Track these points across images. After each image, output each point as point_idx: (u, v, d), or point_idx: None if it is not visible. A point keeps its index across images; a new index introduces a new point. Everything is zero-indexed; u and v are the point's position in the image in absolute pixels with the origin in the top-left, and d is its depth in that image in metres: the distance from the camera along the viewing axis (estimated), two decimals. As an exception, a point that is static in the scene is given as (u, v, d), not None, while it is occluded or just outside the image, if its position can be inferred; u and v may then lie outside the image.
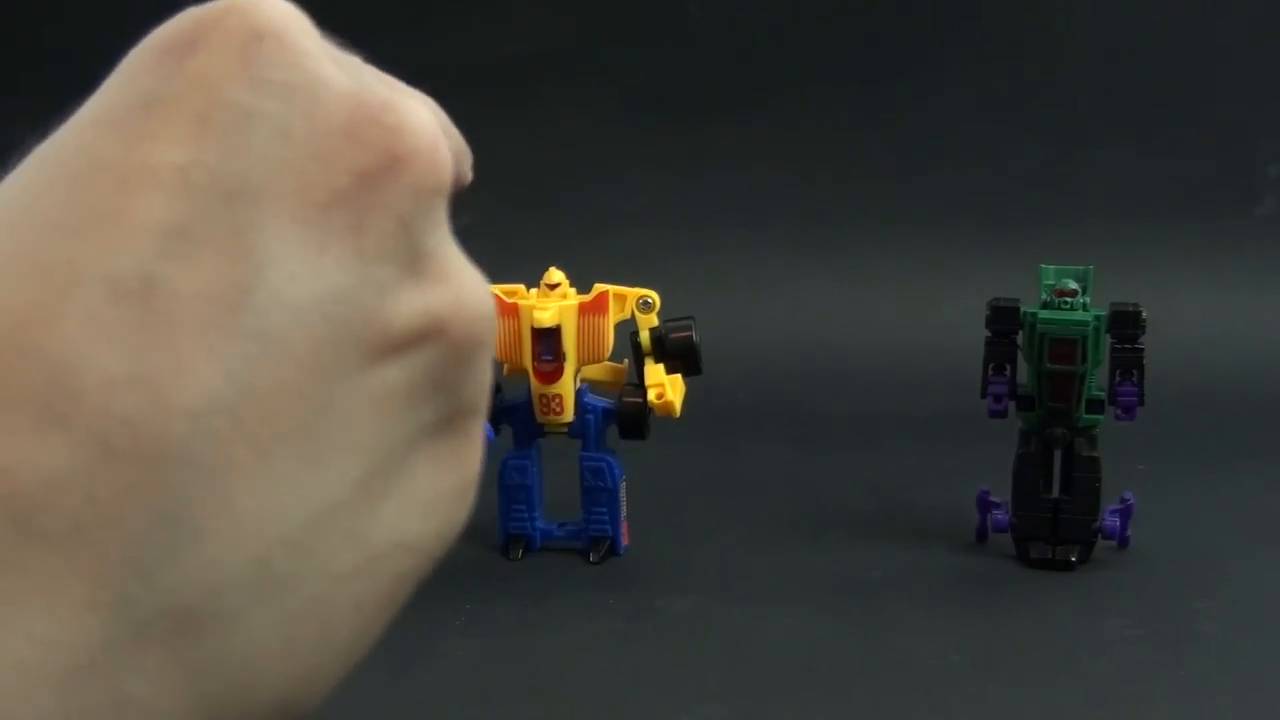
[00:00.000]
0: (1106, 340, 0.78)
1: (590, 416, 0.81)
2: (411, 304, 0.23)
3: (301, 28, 0.25)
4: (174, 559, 0.20)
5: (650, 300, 0.80)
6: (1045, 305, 0.77)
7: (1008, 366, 0.79)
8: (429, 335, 0.24)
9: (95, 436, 0.20)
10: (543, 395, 0.79)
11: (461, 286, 0.25)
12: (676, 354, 0.79)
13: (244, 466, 0.21)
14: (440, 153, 0.25)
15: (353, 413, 0.22)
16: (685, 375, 0.80)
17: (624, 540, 0.81)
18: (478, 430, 0.26)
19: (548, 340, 0.77)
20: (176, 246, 0.21)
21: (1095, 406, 0.78)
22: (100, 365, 0.20)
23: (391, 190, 0.23)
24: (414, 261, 0.24)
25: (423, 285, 0.24)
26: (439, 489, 0.25)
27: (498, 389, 0.81)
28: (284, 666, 0.22)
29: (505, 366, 0.80)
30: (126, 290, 0.20)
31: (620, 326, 0.80)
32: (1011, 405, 0.79)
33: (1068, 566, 0.78)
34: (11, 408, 0.20)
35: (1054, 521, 0.79)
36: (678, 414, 0.79)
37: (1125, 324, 0.78)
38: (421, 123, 0.25)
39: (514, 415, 0.81)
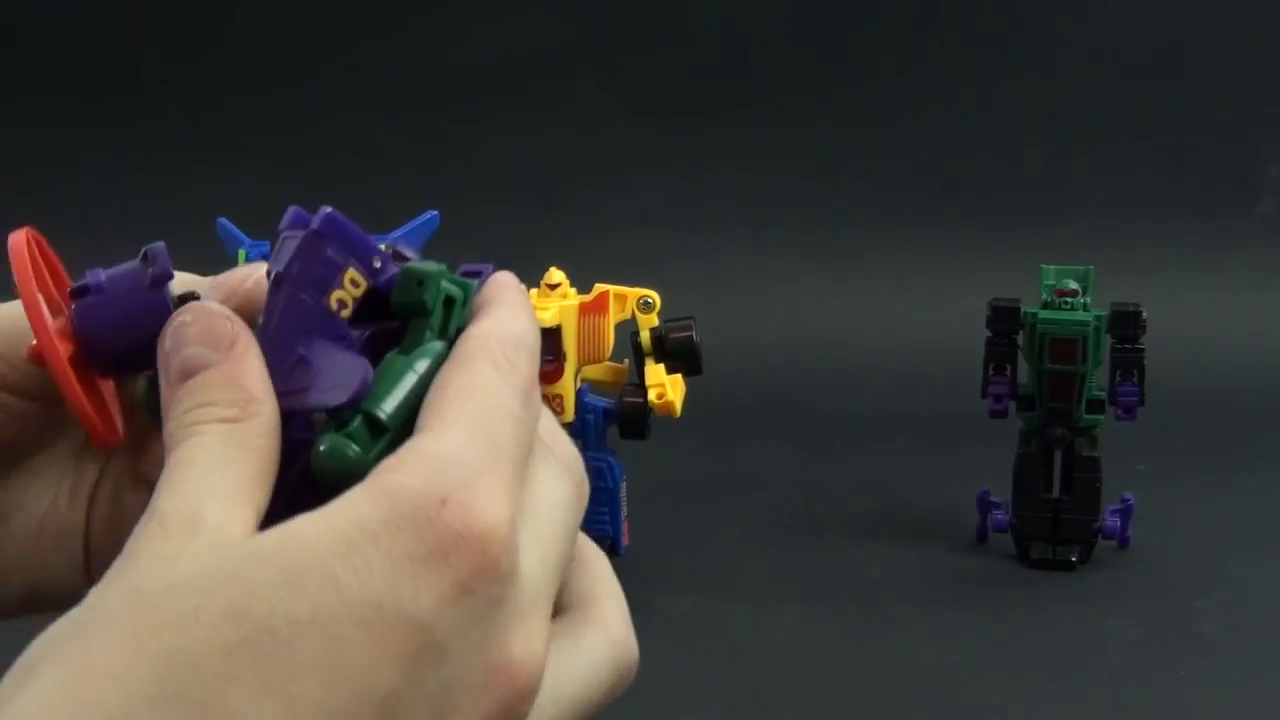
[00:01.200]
0: (1107, 340, 0.78)
1: (590, 416, 0.81)
2: None
3: (505, 554, 0.31)
4: None
5: (650, 300, 0.79)
6: (1046, 305, 0.77)
7: (1008, 366, 0.79)
8: None
9: None
10: (543, 395, 0.79)
11: None
12: (677, 354, 0.79)
13: None
14: (534, 694, 0.32)
15: None
16: (685, 375, 0.80)
17: (624, 540, 0.81)
18: None
19: (548, 340, 0.77)
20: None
21: (1096, 406, 0.78)
22: None
23: None
24: None
25: None
26: None
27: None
28: None
29: (505, 366, 0.80)
30: None
31: (620, 326, 0.80)
32: (1012, 405, 0.79)
33: (1068, 566, 0.78)
34: None
35: (1054, 521, 0.79)
36: (678, 414, 0.79)
37: (1125, 324, 0.77)
38: (534, 670, 0.32)
39: (514, 415, 0.81)
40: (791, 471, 0.98)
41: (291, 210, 0.35)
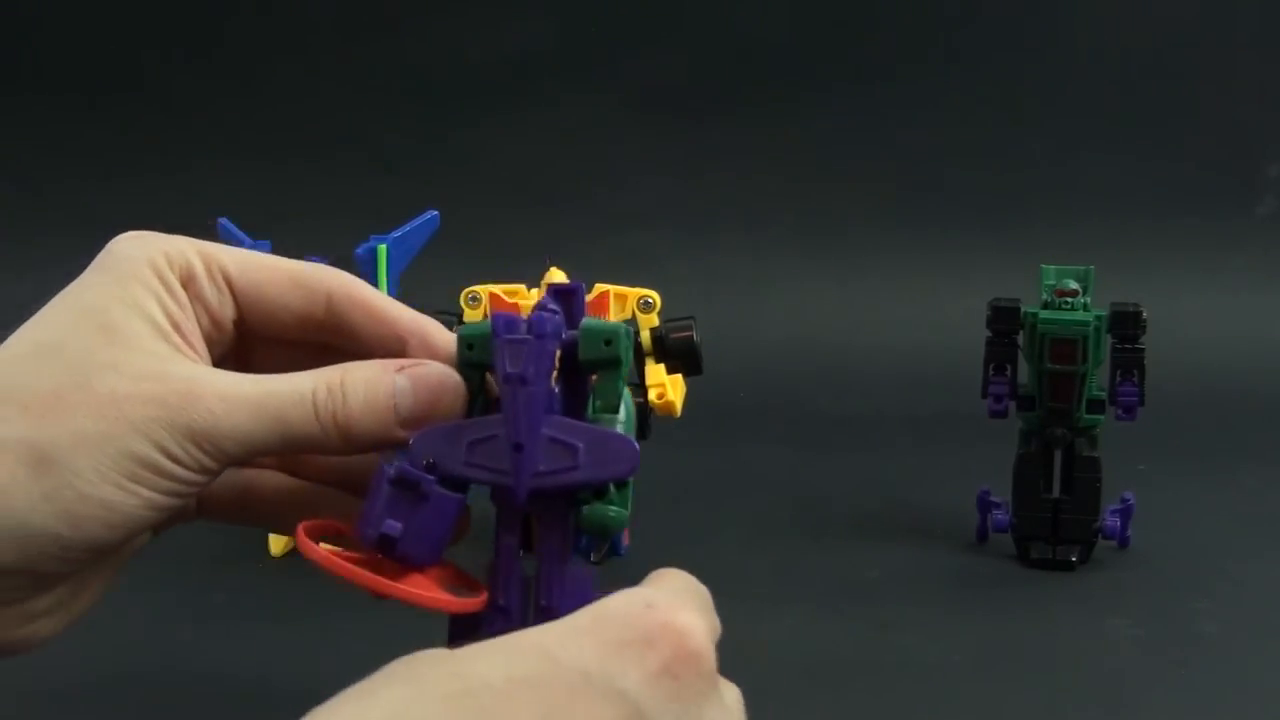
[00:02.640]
0: (1107, 340, 0.78)
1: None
2: None
3: (703, 656, 0.37)
4: None
5: (651, 300, 0.79)
6: (1046, 305, 0.77)
7: (1008, 366, 0.79)
8: None
9: None
10: (543, 395, 0.79)
11: None
12: (677, 354, 0.79)
13: None
14: None
15: None
16: (686, 375, 0.80)
17: (624, 540, 0.81)
18: None
19: (548, 340, 0.77)
20: None
21: (1096, 406, 0.78)
22: None
23: None
24: None
25: None
26: None
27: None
28: None
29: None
30: None
31: (620, 327, 0.80)
32: (1012, 405, 0.79)
33: (1068, 566, 0.78)
34: None
35: (1054, 521, 0.79)
36: (678, 414, 0.79)
37: (1126, 324, 0.77)
38: None
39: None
40: (791, 471, 0.98)
41: (499, 316, 0.42)
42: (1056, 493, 0.80)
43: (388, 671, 0.35)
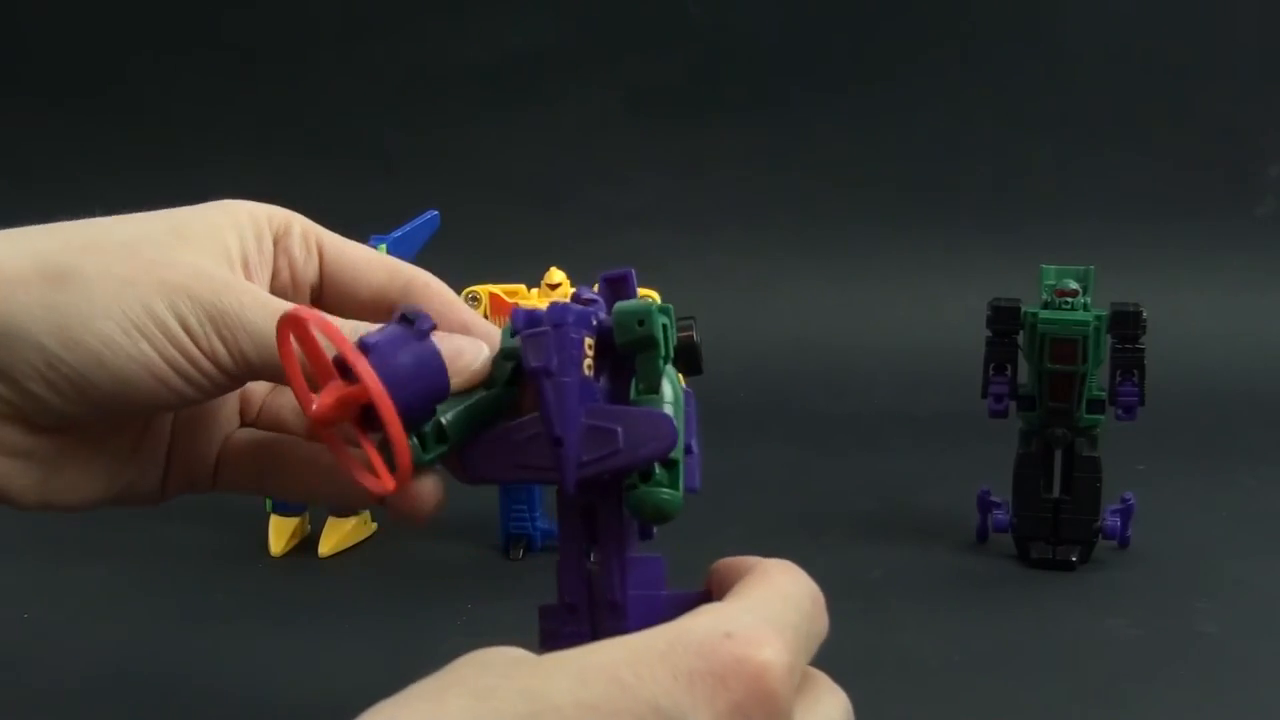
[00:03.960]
0: (1107, 340, 0.78)
1: (591, 416, 0.80)
2: None
3: (782, 694, 0.36)
4: None
5: (651, 300, 0.79)
6: (1046, 305, 0.77)
7: (1008, 366, 0.79)
8: None
9: None
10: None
11: None
12: (677, 354, 0.79)
13: None
14: None
15: None
16: (686, 375, 0.80)
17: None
18: None
19: (548, 340, 0.77)
20: None
21: (1096, 406, 0.78)
22: None
23: None
24: None
25: None
26: None
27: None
28: None
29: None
30: None
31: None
32: (1012, 405, 0.79)
33: (1068, 566, 0.78)
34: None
35: (1054, 521, 0.79)
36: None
37: (1126, 324, 0.77)
38: None
39: (514, 415, 0.81)
40: (792, 471, 0.98)
41: (518, 312, 0.42)
42: (1056, 493, 0.80)
43: (459, 674, 0.35)
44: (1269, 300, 1.29)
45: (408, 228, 0.82)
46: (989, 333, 0.79)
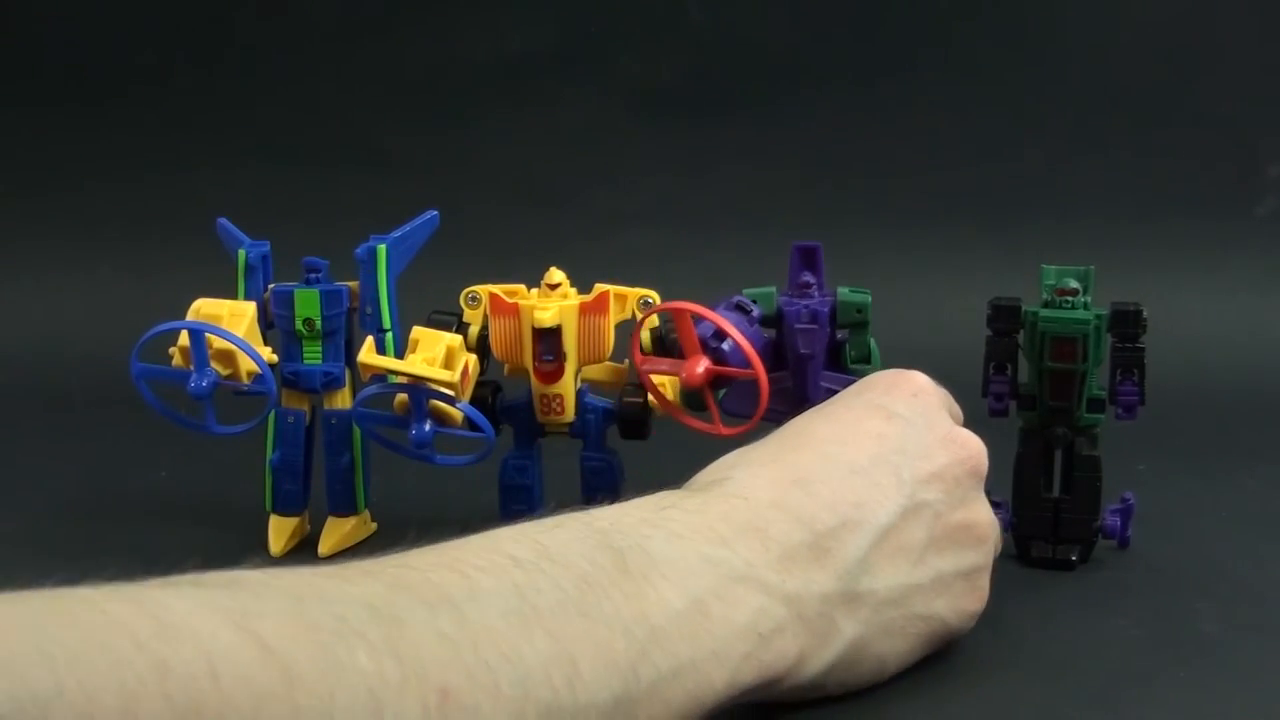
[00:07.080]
0: (1107, 339, 0.78)
1: (591, 416, 0.81)
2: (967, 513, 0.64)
3: (933, 389, 0.67)
4: (860, 581, 0.57)
5: (651, 300, 0.80)
6: (1046, 304, 0.77)
7: (1009, 365, 0.79)
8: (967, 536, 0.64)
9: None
10: (543, 395, 0.79)
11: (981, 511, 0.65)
12: (678, 353, 0.79)
13: (886, 566, 0.59)
14: (985, 459, 0.65)
15: (932, 560, 0.61)
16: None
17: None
18: (985, 578, 0.65)
19: (548, 340, 0.77)
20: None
21: (1096, 405, 0.78)
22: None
23: (965, 476, 0.64)
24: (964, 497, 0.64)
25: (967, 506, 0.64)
26: (965, 599, 0.63)
27: (498, 389, 0.81)
28: (880, 648, 0.59)
29: (506, 367, 0.80)
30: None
31: (621, 327, 0.80)
32: (1012, 404, 0.79)
33: (1068, 566, 0.78)
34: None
35: (1054, 521, 0.79)
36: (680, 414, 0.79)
37: (1126, 323, 0.77)
38: (979, 444, 0.65)
39: (515, 415, 0.81)
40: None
41: (788, 305, 0.76)
42: (1057, 492, 0.80)
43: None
44: (1269, 300, 1.29)
45: (407, 228, 0.82)
46: (989, 332, 0.79)
